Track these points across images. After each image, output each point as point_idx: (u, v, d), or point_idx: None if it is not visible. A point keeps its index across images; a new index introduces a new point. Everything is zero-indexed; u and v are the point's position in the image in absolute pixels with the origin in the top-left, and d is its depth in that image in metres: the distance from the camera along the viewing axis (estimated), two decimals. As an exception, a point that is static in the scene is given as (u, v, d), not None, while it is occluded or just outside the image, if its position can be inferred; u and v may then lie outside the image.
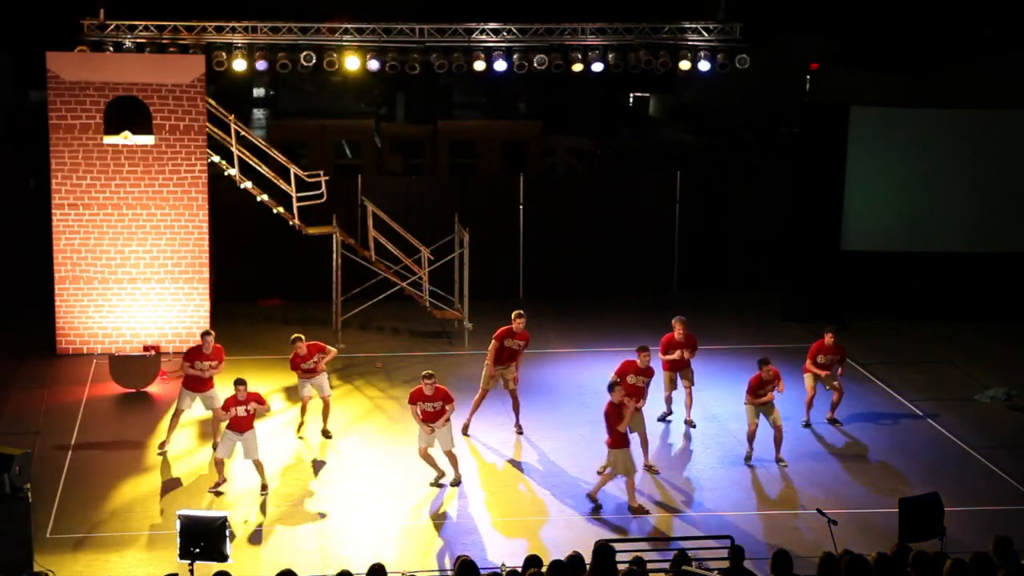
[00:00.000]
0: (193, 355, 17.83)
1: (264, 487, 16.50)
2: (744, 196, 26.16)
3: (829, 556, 10.40)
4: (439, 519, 15.91)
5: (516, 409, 18.67)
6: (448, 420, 16.59)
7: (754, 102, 30.90)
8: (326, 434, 18.35)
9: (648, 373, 17.44)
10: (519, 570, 11.19)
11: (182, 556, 12.86)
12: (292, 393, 20.03)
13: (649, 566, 11.89)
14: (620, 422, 15.92)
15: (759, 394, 17.40)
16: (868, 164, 23.89)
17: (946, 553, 10.83)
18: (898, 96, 24.00)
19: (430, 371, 16.66)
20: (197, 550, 12.80)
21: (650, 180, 26.65)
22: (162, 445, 17.78)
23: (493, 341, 18.41)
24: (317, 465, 17.46)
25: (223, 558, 12.86)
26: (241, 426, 16.27)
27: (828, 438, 18.64)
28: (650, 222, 25.99)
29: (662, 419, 18.97)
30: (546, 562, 10.84)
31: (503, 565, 12.38)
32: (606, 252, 25.84)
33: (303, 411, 18.47)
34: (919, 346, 22.98)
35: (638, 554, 12.00)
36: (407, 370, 20.65)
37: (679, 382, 18.91)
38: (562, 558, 10.70)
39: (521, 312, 18.52)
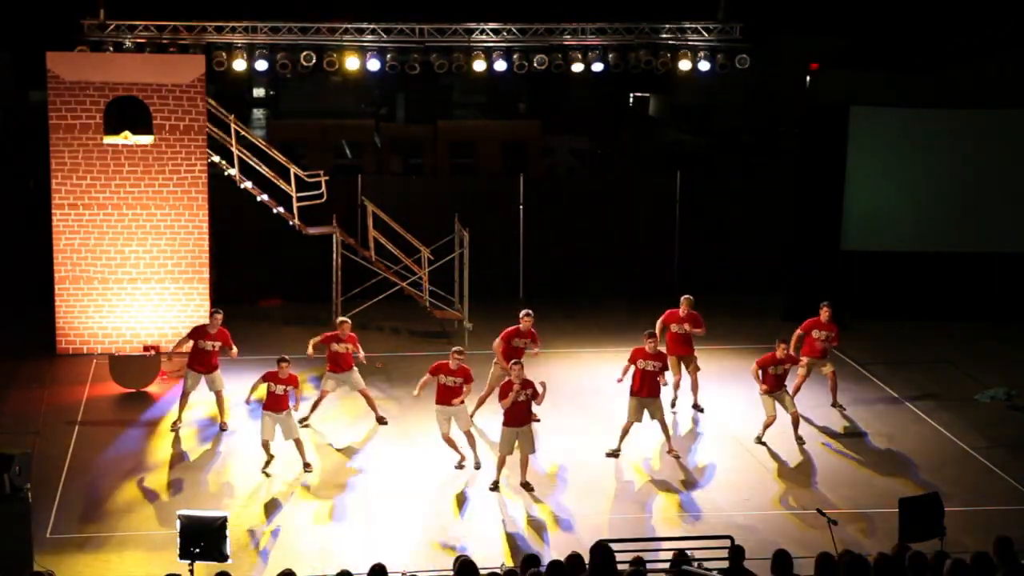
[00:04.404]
0: (197, 332, 18.58)
1: (307, 465, 16.99)
2: (744, 196, 26.13)
3: (825, 556, 10.39)
4: (438, 519, 15.90)
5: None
6: (463, 401, 16.97)
7: (754, 102, 30.88)
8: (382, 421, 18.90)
9: (660, 358, 17.62)
10: (518, 570, 11.19)
11: (182, 556, 12.87)
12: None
13: (649, 566, 11.88)
14: (504, 399, 16.35)
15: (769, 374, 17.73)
16: (868, 164, 23.89)
17: (946, 553, 10.83)
18: (898, 96, 23.99)
19: (460, 347, 17.07)
20: (197, 550, 12.82)
21: (650, 180, 26.67)
22: (175, 424, 18.43)
23: (500, 342, 18.45)
24: (317, 465, 17.45)
25: (223, 558, 12.87)
26: (276, 405, 16.78)
27: (827, 438, 18.63)
28: (650, 222, 25.98)
29: (671, 404, 19.13)
30: (545, 562, 10.84)
31: (503, 565, 12.40)
32: (606, 252, 25.81)
33: (315, 406, 18.78)
34: (919, 346, 22.96)
35: (638, 554, 12.01)
36: (407, 370, 20.62)
37: (683, 369, 19.15)
38: (561, 558, 10.69)
39: (529, 312, 18.69)
